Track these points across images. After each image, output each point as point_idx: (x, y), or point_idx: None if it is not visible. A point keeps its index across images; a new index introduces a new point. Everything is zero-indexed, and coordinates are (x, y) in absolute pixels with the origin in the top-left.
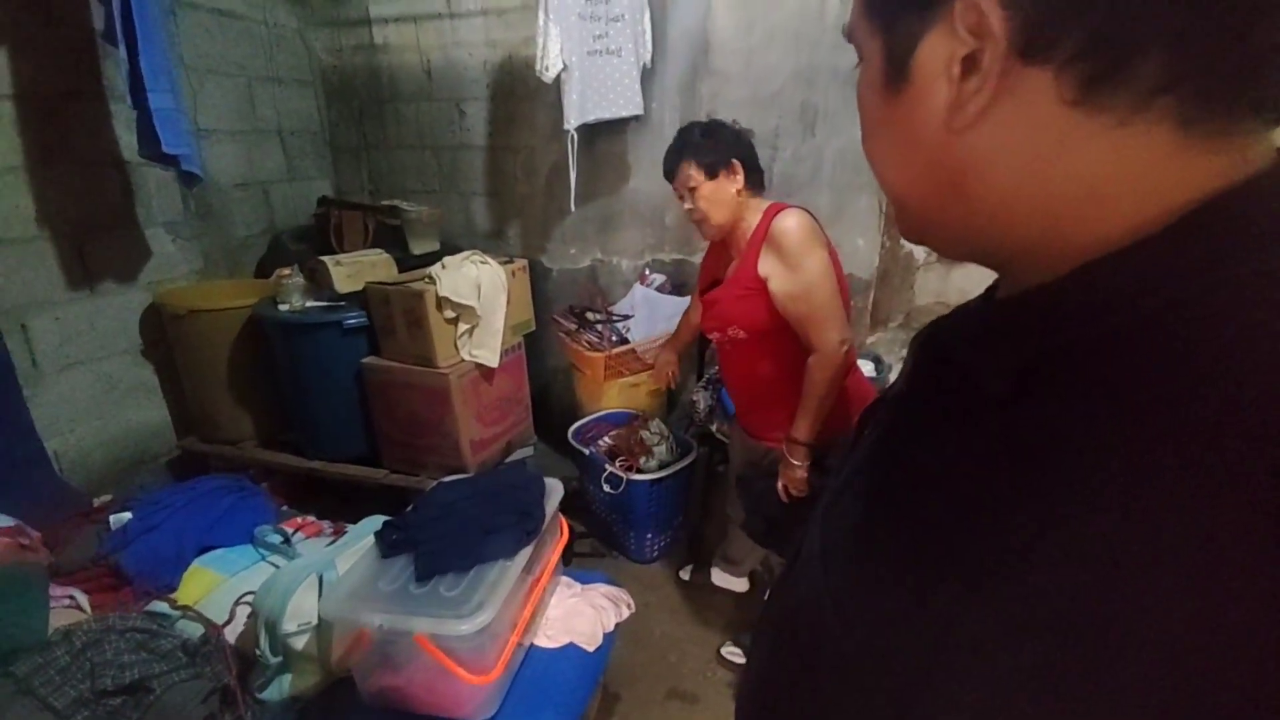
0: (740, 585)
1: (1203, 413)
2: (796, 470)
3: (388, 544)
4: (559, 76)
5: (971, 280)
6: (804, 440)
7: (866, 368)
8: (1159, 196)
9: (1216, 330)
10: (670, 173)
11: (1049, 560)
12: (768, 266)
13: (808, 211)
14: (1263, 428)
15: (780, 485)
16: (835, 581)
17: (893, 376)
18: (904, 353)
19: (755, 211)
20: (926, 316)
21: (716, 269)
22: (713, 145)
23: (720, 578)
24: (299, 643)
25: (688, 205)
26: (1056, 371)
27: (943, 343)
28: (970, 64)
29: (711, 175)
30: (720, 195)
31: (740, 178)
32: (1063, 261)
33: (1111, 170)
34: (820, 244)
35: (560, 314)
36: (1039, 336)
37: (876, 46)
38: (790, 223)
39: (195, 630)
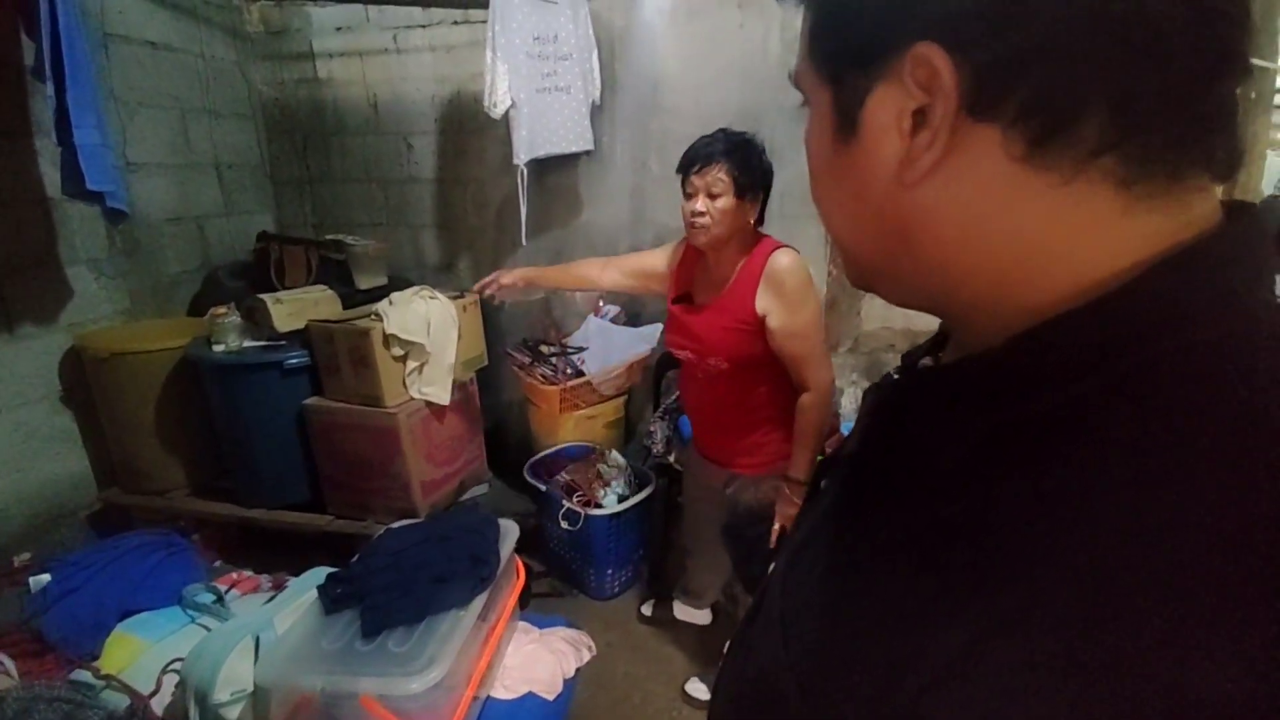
0: (703, 618)
1: (1165, 497)
2: (794, 508)
3: (332, 598)
4: (507, 113)
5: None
6: (803, 479)
7: None
8: (1103, 258)
9: (1172, 403)
10: (697, 162)
11: (1008, 664)
12: (766, 303)
13: (798, 253)
14: (1225, 522)
15: (778, 526)
16: (797, 655)
17: (844, 401)
18: (854, 377)
19: (750, 244)
20: (874, 341)
21: (689, 282)
22: (756, 165)
23: (682, 611)
24: (232, 713)
25: (699, 206)
26: (1007, 447)
27: (894, 410)
28: (920, 118)
29: (740, 195)
30: (737, 218)
31: (757, 212)
32: (1012, 320)
33: (1055, 229)
34: (815, 288)
35: (514, 347)
36: (990, 411)
37: (825, 98)
38: (790, 262)
39: (121, 701)
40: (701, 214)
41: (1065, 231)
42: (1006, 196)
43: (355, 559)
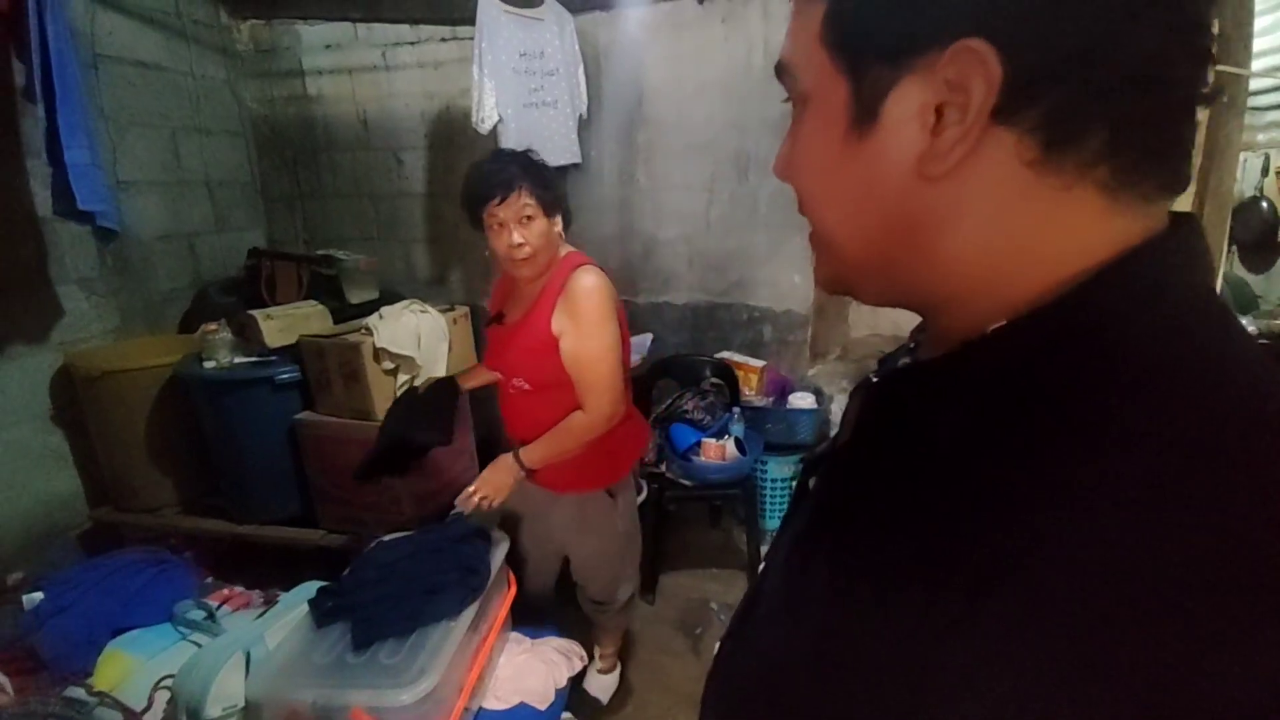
0: (611, 682)
1: (1166, 492)
2: (506, 483)
3: (323, 612)
4: (495, 128)
5: (903, 313)
6: (531, 467)
7: (807, 400)
8: (1084, 255)
9: (1150, 382)
10: (497, 193)
11: (1017, 614)
12: (562, 323)
13: (604, 271)
14: (1236, 519)
15: (479, 496)
16: (807, 643)
17: (834, 407)
18: (843, 384)
19: (556, 259)
20: (862, 348)
21: (503, 302)
22: (549, 179)
23: (594, 684)
24: None
25: (516, 238)
26: (996, 438)
27: (883, 408)
28: (939, 115)
29: (548, 213)
30: (551, 236)
31: (561, 224)
32: (992, 313)
33: (1049, 230)
34: (614, 313)
35: None
36: (977, 402)
37: (840, 88)
38: (591, 284)
39: (114, 718)
40: (521, 244)
41: (1057, 232)
42: (1013, 197)
43: (346, 572)
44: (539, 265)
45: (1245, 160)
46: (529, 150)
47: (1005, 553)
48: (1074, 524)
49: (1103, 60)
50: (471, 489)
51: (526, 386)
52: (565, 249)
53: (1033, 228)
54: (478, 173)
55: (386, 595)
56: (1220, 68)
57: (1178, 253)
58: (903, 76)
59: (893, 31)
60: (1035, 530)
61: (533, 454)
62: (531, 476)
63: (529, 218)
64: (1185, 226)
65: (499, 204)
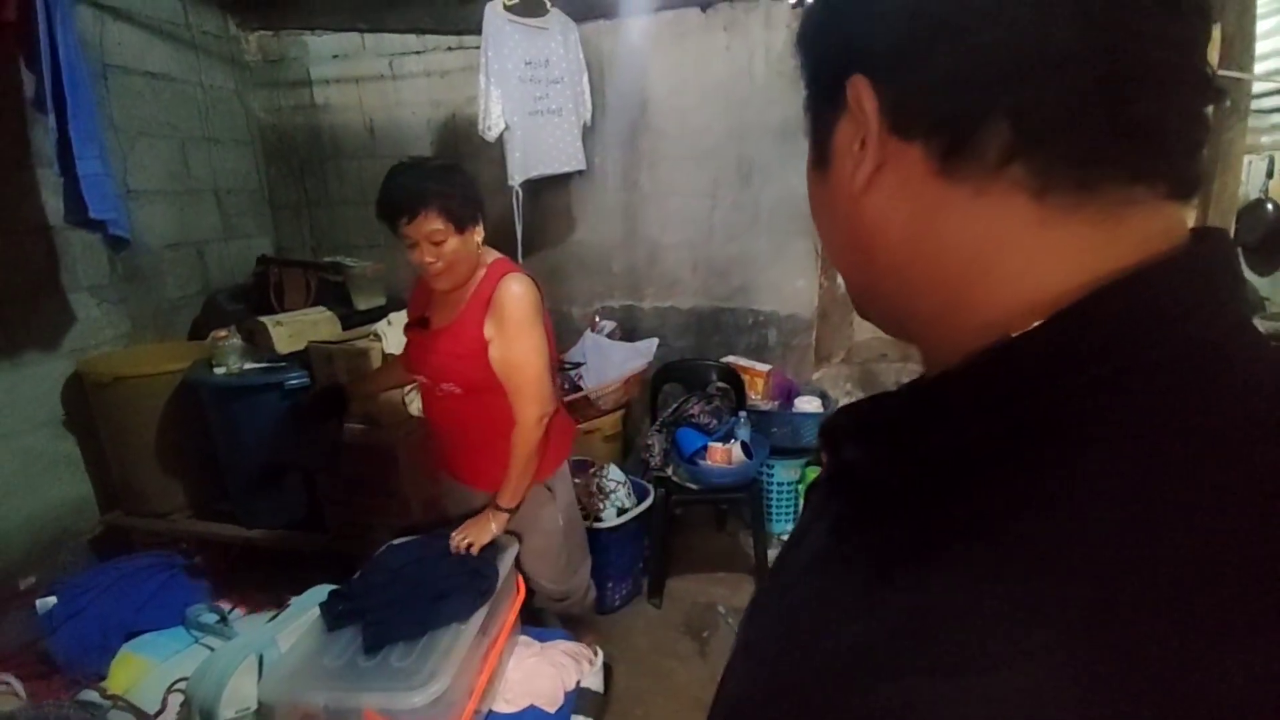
0: (598, 666)
1: (1158, 502)
2: (489, 529)
3: (334, 615)
4: (501, 135)
5: None
6: (509, 508)
7: (813, 403)
8: (1041, 274)
9: (1141, 394)
10: (404, 213)
11: (1008, 612)
12: (491, 329)
13: (532, 278)
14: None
15: (462, 540)
16: (767, 677)
17: None
18: (848, 387)
19: (483, 264)
20: (866, 352)
21: (426, 305)
22: (463, 195)
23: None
24: None
25: (426, 258)
26: (987, 438)
27: (837, 436)
28: (864, 144)
29: (460, 229)
30: (466, 251)
31: (481, 230)
32: (966, 339)
33: (982, 240)
34: (540, 319)
35: None
36: (944, 431)
37: (809, 135)
38: (518, 291)
39: None
40: (431, 263)
41: (992, 242)
42: (932, 208)
43: (356, 576)
44: (456, 278)
45: (1250, 163)
46: (443, 160)
47: (997, 552)
48: (1069, 525)
49: (969, 64)
50: (456, 535)
51: (457, 390)
52: (491, 255)
53: (967, 241)
54: (388, 186)
55: (396, 599)
56: (1223, 72)
57: (1184, 281)
58: (839, 117)
59: (821, 80)
60: (1026, 532)
61: (505, 494)
62: (514, 513)
63: (438, 242)
64: (1205, 245)
65: (407, 223)
